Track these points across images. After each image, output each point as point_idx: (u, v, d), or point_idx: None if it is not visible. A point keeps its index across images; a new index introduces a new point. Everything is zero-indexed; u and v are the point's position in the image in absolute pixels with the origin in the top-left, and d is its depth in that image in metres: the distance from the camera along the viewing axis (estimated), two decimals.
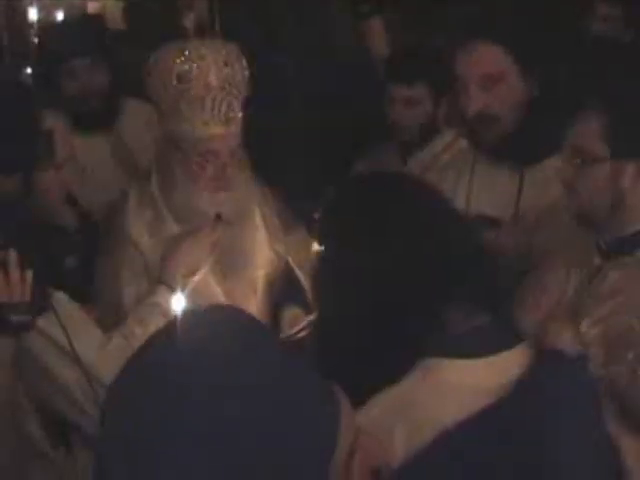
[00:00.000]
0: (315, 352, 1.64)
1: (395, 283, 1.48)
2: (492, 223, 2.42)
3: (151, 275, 2.32)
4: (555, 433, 1.43)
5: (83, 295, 2.29)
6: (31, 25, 5.26)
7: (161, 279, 2.23)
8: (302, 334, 2.18)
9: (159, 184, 2.46)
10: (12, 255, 1.88)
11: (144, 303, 2.17)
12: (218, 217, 2.32)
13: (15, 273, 1.88)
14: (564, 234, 2.27)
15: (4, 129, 2.18)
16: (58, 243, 2.37)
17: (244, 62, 2.38)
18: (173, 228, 2.40)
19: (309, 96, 3.78)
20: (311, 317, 2.19)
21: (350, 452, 1.15)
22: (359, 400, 1.48)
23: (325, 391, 1.16)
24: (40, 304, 1.91)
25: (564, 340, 1.88)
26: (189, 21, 2.42)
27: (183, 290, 2.02)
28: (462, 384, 1.46)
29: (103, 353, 2.01)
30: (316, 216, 1.62)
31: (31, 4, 5.24)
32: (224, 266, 2.39)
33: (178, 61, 2.30)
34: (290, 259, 2.52)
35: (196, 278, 2.22)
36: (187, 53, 2.30)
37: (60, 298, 2.02)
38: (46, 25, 4.62)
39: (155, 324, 1.99)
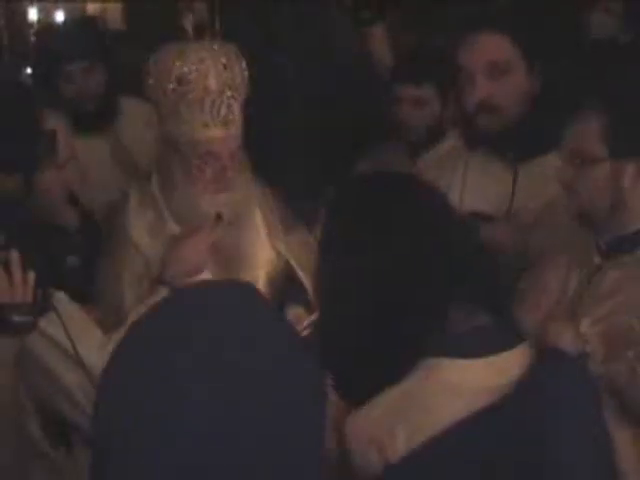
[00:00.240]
0: (316, 352, 1.64)
1: (396, 283, 1.48)
2: (486, 220, 2.41)
3: (152, 276, 2.33)
4: (555, 433, 1.43)
5: (84, 295, 2.29)
6: (31, 25, 5.27)
7: (161, 279, 2.23)
8: (304, 333, 2.18)
9: (159, 185, 2.46)
10: (14, 255, 1.88)
11: (144, 303, 2.17)
12: (218, 217, 2.32)
13: (17, 273, 1.88)
14: (563, 233, 2.27)
15: (5, 129, 2.18)
16: (59, 243, 2.37)
17: (243, 64, 2.38)
18: (174, 229, 2.40)
19: (309, 97, 3.78)
20: (313, 317, 2.20)
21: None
22: (359, 400, 1.49)
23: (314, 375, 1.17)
24: (42, 305, 1.91)
25: (564, 340, 1.88)
26: (188, 22, 2.42)
27: None
28: (463, 384, 1.46)
29: (103, 354, 2.01)
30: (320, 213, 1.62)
31: (31, 4, 5.25)
32: (224, 266, 2.39)
33: (177, 63, 2.30)
34: (291, 259, 2.52)
35: (196, 278, 2.23)
36: (186, 55, 2.30)
37: (61, 298, 2.02)
38: (43, 27, 4.63)
39: None
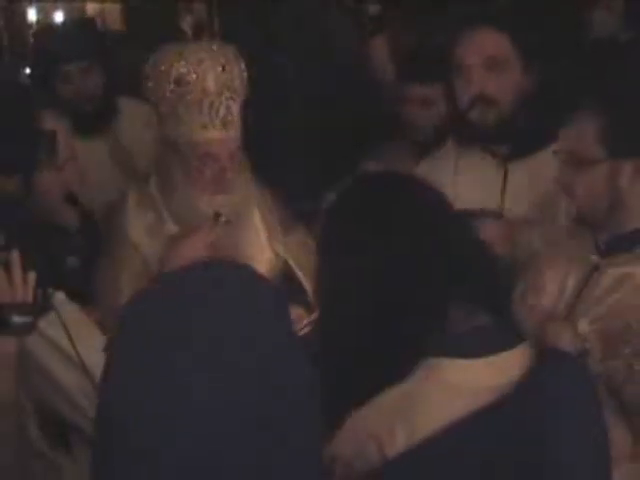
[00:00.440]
0: (316, 352, 1.64)
1: (395, 283, 1.48)
2: (476, 218, 2.41)
3: (150, 275, 2.32)
4: (555, 433, 1.43)
5: (83, 296, 2.29)
6: (30, 26, 5.27)
7: None
8: (304, 332, 2.18)
9: (158, 186, 2.46)
10: (14, 256, 1.87)
11: None
12: (217, 217, 2.32)
13: (17, 274, 1.87)
14: (561, 233, 2.28)
15: (4, 129, 2.18)
16: (59, 243, 2.37)
17: (242, 65, 2.38)
18: (172, 229, 2.41)
19: (309, 97, 3.78)
20: (313, 316, 2.20)
21: None
22: (360, 400, 1.49)
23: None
24: (42, 305, 1.91)
25: (564, 340, 1.88)
26: (186, 24, 2.42)
27: None
28: (463, 384, 1.46)
29: (102, 356, 2.01)
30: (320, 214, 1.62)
31: (30, 5, 5.25)
32: None
33: (176, 65, 2.30)
34: (290, 259, 2.52)
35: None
36: (185, 57, 2.30)
37: (61, 299, 2.02)
38: (41, 28, 4.63)
39: None
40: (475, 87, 2.46)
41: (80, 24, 3.73)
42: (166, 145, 2.41)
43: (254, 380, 1.12)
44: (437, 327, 1.48)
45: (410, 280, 1.48)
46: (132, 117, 3.24)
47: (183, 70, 2.29)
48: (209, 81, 2.30)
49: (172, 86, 2.30)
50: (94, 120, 3.20)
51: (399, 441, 1.43)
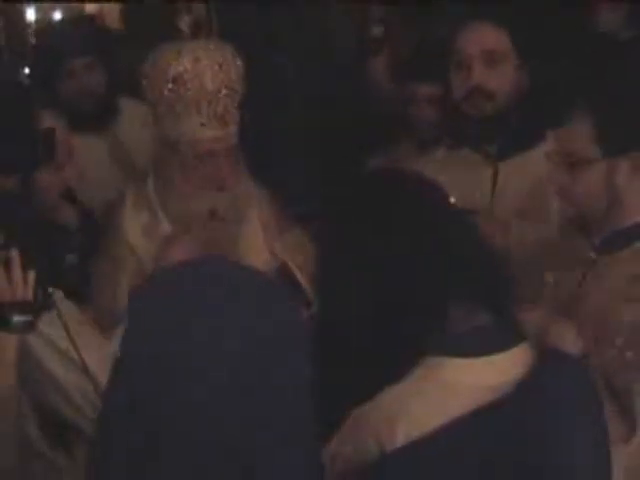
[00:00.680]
0: (316, 351, 1.64)
1: (395, 282, 1.48)
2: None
3: (146, 275, 2.32)
4: (556, 433, 1.43)
5: (81, 294, 2.30)
6: (29, 25, 5.26)
7: None
8: None
9: (155, 186, 2.47)
10: (14, 254, 1.87)
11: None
12: (212, 214, 2.33)
13: (17, 272, 1.87)
14: (557, 232, 2.28)
15: (3, 129, 2.18)
16: (59, 242, 2.37)
17: (239, 63, 2.39)
18: (168, 230, 2.41)
19: (309, 97, 3.79)
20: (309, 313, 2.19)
21: None
22: (360, 399, 1.49)
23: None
24: (42, 304, 1.91)
25: (567, 341, 1.88)
26: (184, 23, 2.42)
27: None
28: (462, 383, 1.46)
29: (102, 356, 2.01)
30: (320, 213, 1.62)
31: (29, 5, 5.24)
32: None
33: (173, 64, 2.30)
34: (287, 259, 2.52)
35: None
36: (182, 56, 2.31)
37: (61, 298, 2.02)
38: (44, 26, 4.62)
39: None
40: (474, 79, 2.48)
41: (83, 20, 3.72)
42: (164, 144, 2.41)
43: (254, 380, 1.13)
44: (437, 327, 1.48)
45: (410, 280, 1.48)
46: (132, 116, 3.24)
47: (180, 69, 2.30)
48: (207, 80, 2.30)
49: (170, 85, 2.30)
50: (95, 118, 3.19)
51: (399, 439, 1.44)
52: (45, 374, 2.02)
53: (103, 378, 1.90)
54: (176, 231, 2.35)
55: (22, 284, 1.88)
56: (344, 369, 1.51)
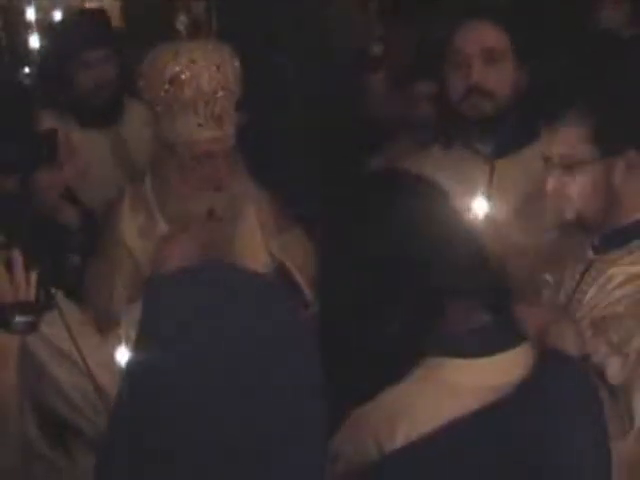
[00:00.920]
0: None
1: (395, 282, 1.48)
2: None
3: (143, 277, 2.32)
4: (556, 433, 1.43)
5: (79, 294, 2.30)
6: (29, 25, 5.26)
7: None
8: None
9: (153, 186, 2.47)
10: (16, 255, 1.87)
11: (137, 305, 2.15)
12: (210, 214, 2.33)
13: (19, 273, 1.87)
14: (555, 233, 2.29)
15: (3, 129, 2.18)
16: (61, 242, 2.37)
17: (237, 63, 2.39)
18: (165, 231, 2.41)
19: (309, 97, 3.79)
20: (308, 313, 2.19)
21: None
22: (360, 399, 1.49)
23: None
24: (44, 304, 1.91)
25: (568, 341, 1.88)
26: (181, 23, 2.42)
27: None
28: (463, 384, 1.46)
29: (101, 356, 2.01)
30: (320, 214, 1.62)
31: (29, 4, 5.23)
32: None
33: (170, 64, 2.30)
34: (286, 259, 2.52)
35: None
36: (179, 56, 2.30)
37: (62, 298, 2.02)
38: (53, 22, 4.61)
39: None
40: (474, 77, 2.48)
41: (96, 14, 3.70)
42: (162, 145, 2.41)
43: (254, 380, 1.13)
44: (437, 327, 1.48)
45: (410, 280, 1.48)
46: (136, 115, 3.24)
47: (177, 69, 2.30)
48: (203, 81, 2.30)
49: (167, 86, 2.30)
50: (102, 114, 3.19)
51: (399, 440, 1.44)
52: (45, 374, 2.02)
53: (103, 379, 1.91)
54: (174, 230, 2.35)
55: (24, 284, 1.88)
56: (344, 369, 1.51)
